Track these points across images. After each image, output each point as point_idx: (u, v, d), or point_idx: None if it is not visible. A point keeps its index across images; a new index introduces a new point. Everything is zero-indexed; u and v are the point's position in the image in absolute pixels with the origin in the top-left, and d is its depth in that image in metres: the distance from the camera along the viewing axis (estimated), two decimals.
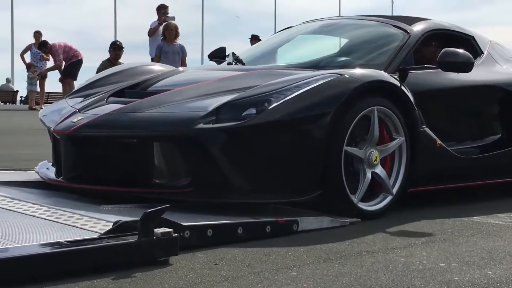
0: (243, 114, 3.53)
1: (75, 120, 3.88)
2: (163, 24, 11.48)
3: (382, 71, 4.14)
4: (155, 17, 12.31)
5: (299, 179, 3.65)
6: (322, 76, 3.80)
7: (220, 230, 3.12)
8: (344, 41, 5.47)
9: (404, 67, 4.37)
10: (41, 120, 4.39)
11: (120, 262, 2.66)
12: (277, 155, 3.60)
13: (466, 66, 4.40)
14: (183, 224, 2.95)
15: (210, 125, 3.50)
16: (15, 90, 24.82)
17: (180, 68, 4.95)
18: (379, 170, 3.86)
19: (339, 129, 3.66)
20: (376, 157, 3.82)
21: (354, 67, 4.31)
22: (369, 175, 3.81)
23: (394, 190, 3.94)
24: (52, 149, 4.24)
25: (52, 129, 4.03)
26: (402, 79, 4.23)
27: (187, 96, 3.93)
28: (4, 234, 2.82)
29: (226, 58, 5.42)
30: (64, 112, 4.13)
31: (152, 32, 12.09)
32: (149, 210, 2.71)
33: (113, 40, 15.39)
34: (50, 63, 15.39)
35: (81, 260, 2.58)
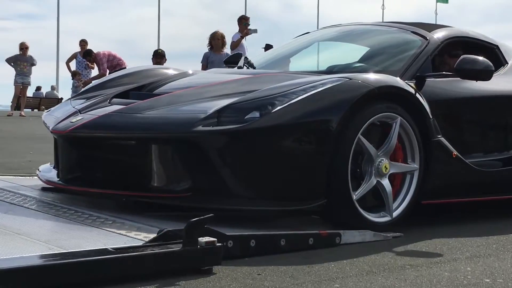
0: (246, 117, 3.39)
1: (74, 120, 3.78)
2: (211, 33, 11.29)
3: (396, 78, 4.00)
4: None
5: (302, 186, 3.49)
6: (330, 80, 3.65)
7: (263, 241, 3.12)
8: (361, 47, 5.32)
9: (421, 74, 4.19)
10: (43, 121, 4.27)
11: (164, 270, 2.67)
12: (280, 161, 3.44)
13: (485, 74, 4.25)
14: (226, 234, 2.96)
15: (210, 128, 3.38)
16: (59, 97, 25.18)
17: (190, 71, 4.82)
18: (385, 183, 3.68)
19: (347, 135, 3.51)
20: (386, 166, 3.65)
21: (368, 72, 4.12)
22: (374, 180, 3.63)
23: (395, 214, 3.74)
24: (54, 150, 4.16)
25: (50, 129, 3.93)
26: (419, 86, 4.08)
27: (188, 98, 3.82)
28: (50, 239, 2.86)
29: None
30: (65, 113, 4.03)
31: (235, 46, 11.45)
32: (193, 219, 2.72)
33: (156, 48, 15.54)
34: (95, 71, 15.55)
35: (126, 267, 2.60)
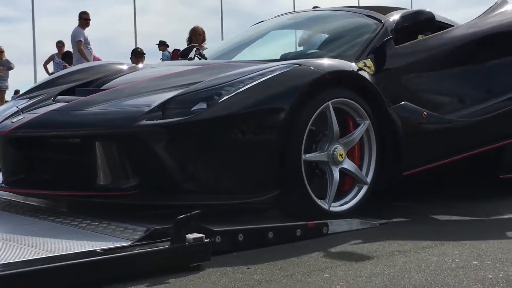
0: (193, 109, 3.27)
1: (14, 120, 3.66)
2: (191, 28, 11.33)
3: (347, 61, 3.93)
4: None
5: (254, 178, 3.38)
6: (279, 67, 3.53)
7: (251, 235, 3.13)
8: (315, 34, 5.25)
9: (378, 49, 4.15)
10: None
11: (154, 269, 2.68)
12: (230, 153, 3.33)
13: (426, 24, 4.26)
14: (214, 229, 2.97)
15: (155, 121, 3.26)
16: None
17: (140, 65, 4.68)
18: (347, 164, 3.60)
19: (299, 123, 3.42)
20: (341, 154, 3.56)
21: (321, 59, 3.97)
22: (336, 175, 3.54)
23: (369, 179, 3.70)
24: None
25: None
26: (379, 62, 4.07)
27: (132, 92, 3.72)
28: (37, 244, 2.85)
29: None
30: (7, 113, 3.88)
31: None
32: (180, 217, 2.71)
33: (134, 47, 15.41)
34: None
35: (115, 268, 2.60)
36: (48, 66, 16.57)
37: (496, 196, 4.62)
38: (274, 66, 3.58)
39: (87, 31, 12.47)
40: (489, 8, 4.82)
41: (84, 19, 12.58)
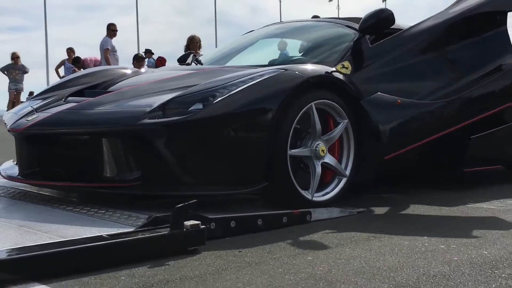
0: (190, 109, 3.28)
1: (29, 118, 3.70)
2: (188, 37, 11.33)
3: (328, 67, 3.96)
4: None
5: (245, 171, 3.40)
6: (268, 72, 3.57)
7: (242, 222, 3.14)
8: (300, 42, 5.27)
9: (354, 50, 4.23)
10: (3, 120, 4.19)
11: (155, 252, 2.69)
12: (224, 148, 3.35)
13: (388, 21, 4.28)
14: (209, 217, 2.99)
15: (156, 120, 3.28)
16: None
17: (142, 70, 4.72)
18: (328, 159, 3.66)
19: (286, 122, 3.45)
20: (322, 149, 3.61)
21: (305, 64, 4.00)
22: (319, 168, 3.60)
23: (347, 172, 3.75)
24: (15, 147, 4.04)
25: (8, 127, 3.87)
26: (356, 61, 4.12)
27: (135, 94, 3.74)
28: (50, 230, 2.86)
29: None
30: (22, 112, 3.95)
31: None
32: (179, 205, 2.73)
33: (136, 52, 15.46)
34: None
35: (120, 251, 2.61)
36: (59, 70, 16.57)
37: (460, 187, 4.65)
38: (263, 70, 3.61)
39: (114, 40, 12.70)
40: (453, 2, 4.88)
41: (112, 30, 12.80)
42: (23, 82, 17.00)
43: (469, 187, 4.66)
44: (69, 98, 3.97)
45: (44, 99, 4.15)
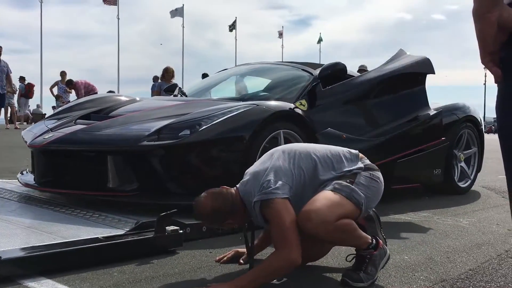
0: (180, 134, 3.37)
1: (46, 137, 3.78)
2: (164, 68, 11.23)
3: (289, 103, 4.06)
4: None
5: (223, 184, 3.44)
6: (243, 106, 3.67)
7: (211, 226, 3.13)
8: (265, 80, 5.34)
9: (310, 91, 4.38)
10: (22, 136, 4.20)
11: (141, 252, 2.70)
12: (206, 167, 3.43)
13: (341, 72, 4.49)
14: (185, 222, 2.99)
15: (152, 143, 3.36)
16: (43, 113, 24.34)
17: (137, 98, 4.79)
18: None
19: (255, 146, 3.53)
20: None
21: (270, 100, 4.12)
22: None
23: None
24: (31, 159, 4.12)
25: (28, 144, 3.91)
26: (311, 100, 4.27)
27: (136, 119, 3.80)
28: (53, 231, 2.83)
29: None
30: (39, 130, 4.03)
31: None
32: (162, 213, 2.75)
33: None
34: (72, 95, 15.24)
35: (114, 251, 2.61)
36: (53, 89, 16.22)
37: (385, 201, 4.70)
38: (239, 105, 3.72)
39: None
40: (391, 57, 5.04)
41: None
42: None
43: (391, 201, 4.69)
44: (78, 121, 4.07)
45: (57, 120, 4.24)
